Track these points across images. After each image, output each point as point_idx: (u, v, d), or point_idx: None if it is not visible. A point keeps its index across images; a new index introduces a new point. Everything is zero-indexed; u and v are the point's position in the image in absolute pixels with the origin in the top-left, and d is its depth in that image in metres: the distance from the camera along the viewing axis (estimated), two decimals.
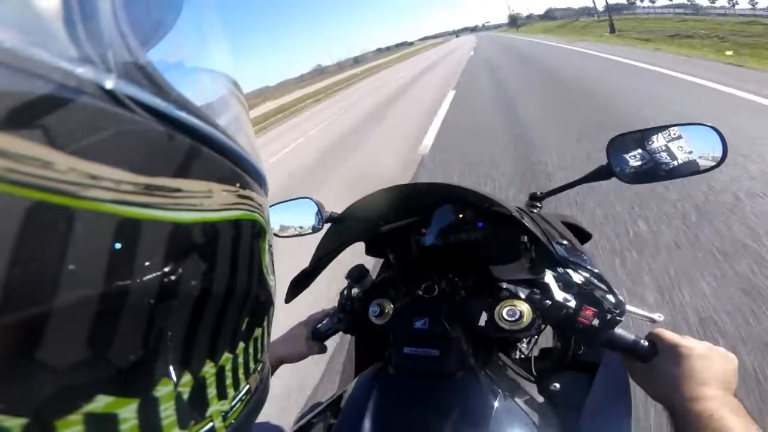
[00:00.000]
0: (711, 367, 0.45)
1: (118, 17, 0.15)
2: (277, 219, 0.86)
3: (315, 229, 0.77)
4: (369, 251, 0.77)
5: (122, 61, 0.15)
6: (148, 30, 0.18)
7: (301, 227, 0.85)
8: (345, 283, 0.68)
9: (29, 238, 0.12)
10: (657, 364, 0.48)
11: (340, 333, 0.69)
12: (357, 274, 0.65)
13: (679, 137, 0.64)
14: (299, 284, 0.64)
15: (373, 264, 0.83)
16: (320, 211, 0.82)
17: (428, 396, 0.49)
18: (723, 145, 0.61)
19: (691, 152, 0.64)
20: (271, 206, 0.92)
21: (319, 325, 0.70)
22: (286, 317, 0.66)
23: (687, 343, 0.47)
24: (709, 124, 0.63)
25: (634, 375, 0.51)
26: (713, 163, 0.63)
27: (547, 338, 0.61)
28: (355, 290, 0.67)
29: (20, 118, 0.11)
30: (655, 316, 0.64)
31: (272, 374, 0.68)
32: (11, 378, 0.12)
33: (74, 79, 0.13)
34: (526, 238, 0.60)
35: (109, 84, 0.14)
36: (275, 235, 0.88)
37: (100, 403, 0.14)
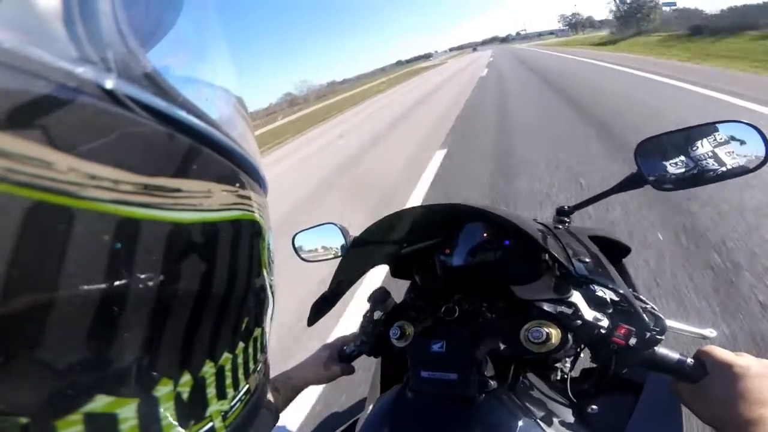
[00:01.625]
0: None
1: (118, 17, 0.15)
2: (304, 244, 0.90)
3: (344, 251, 0.78)
4: (394, 274, 0.76)
5: (122, 61, 0.15)
6: (148, 30, 0.18)
7: (328, 251, 0.88)
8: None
9: (29, 238, 0.12)
10: (707, 385, 0.43)
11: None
12: (378, 297, 0.64)
13: (727, 142, 0.59)
14: (320, 307, 0.64)
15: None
16: (345, 235, 0.84)
17: (446, 421, 0.47)
18: (764, 141, 0.57)
19: (735, 151, 0.59)
20: (297, 233, 0.92)
21: (345, 347, 0.70)
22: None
23: (742, 361, 0.42)
24: (746, 122, 0.59)
25: (682, 396, 0.47)
26: (757, 162, 0.58)
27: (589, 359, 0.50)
28: (377, 313, 0.66)
29: (20, 118, 0.11)
30: (706, 331, 0.58)
31: (297, 395, 0.68)
32: (11, 378, 0.12)
33: (74, 79, 0.13)
34: (547, 256, 0.57)
35: (108, 84, 0.14)
36: (304, 259, 0.90)
37: (100, 402, 0.14)
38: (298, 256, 0.90)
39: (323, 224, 0.87)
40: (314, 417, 1.52)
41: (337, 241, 0.86)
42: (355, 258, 0.63)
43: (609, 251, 0.60)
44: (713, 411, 0.42)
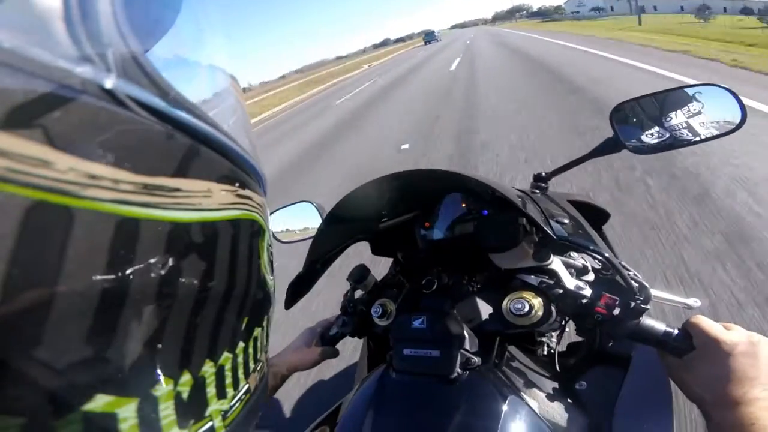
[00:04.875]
0: (757, 365, 0.39)
1: (117, 16, 0.15)
2: (278, 225, 0.86)
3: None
4: (375, 251, 0.74)
5: (122, 60, 0.15)
6: (148, 29, 0.18)
7: (304, 230, 0.85)
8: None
9: (28, 238, 0.12)
10: (693, 360, 0.42)
11: None
12: (358, 275, 0.62)
13: (699, 113, 0.59)
14: (297, 289, 0.62)
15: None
16: (321, 213, 0.82)
17: (430, 400, 0.46)
18: (740, 105, 0.56)
19: (709, 118, 0.59)
20: (271, 212, 0.87)
21: (328, 329, 0.69)
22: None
23: (729, 337, 0.41)
24: (723, 86, 0.58)
25: (669, 370, 0.45)
26: (732, 126, 0.58)
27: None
28: (358, 292, 0.65)
29: (20, 117, 0.11)
30: (690, 301, 0.56)
31: (283, 382, 0.67)
32: (11, 377, 0.12)
33: (74, 79, 0.13)
34: (524, 221, 0.56)
35: (108, 83, 0.14)
36: (279, 240, 0.86)
37: (100, 402, 0.14)
38: (273, 237, 0.86)
39: (298, 203, 0.84)
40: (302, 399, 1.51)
41: (313, 220, 0.83)
42: (329, 235, 0.60)
43: (588, 217, 0.58)
44: (698, 388, 0.41)
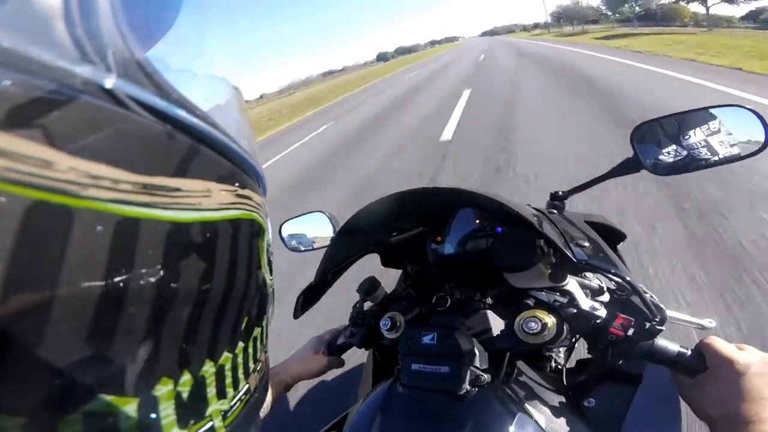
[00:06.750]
0: None
1: (117, 16, 0.15)
2: (291, 234, 0.87)
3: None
4: (385, 263, 0.74)
5: (122, 60, 0.15)
6: (148, 29, 0.18)
7: (317, 240, 0.85)
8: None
9: (28, 238, 0.12)
10: (706, 380, 0.42)
11: None
12: (368, 287, 0.62)
13: (719, 131, 0.59)
14: (307, 299, 0.62)
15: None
16: (333, 223, 0.82)
17: (438, 416, 0.45)
18: (764, 126, 0.56)
19: (729, 139, 0.58)
20: (284, 222, 0.89)
21: (335, 339, 0.69)
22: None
23: (743, 358, 0.41)
24: (748, 107, 0.57)
25: (681, 389, 0.46)
26: (755, 148, 0.57)
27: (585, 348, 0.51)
28: (367, 304, 0.65)
29: (20, 117, 0.11)
30: (705, 322, 0.56)
31: (287, 391, 0.66)
32: (11, 377, 0.12)
33: (74, 79, 0.13)
34: (542, 242, 0.55)
35: (108, 83, 0.14)
36: (292, 250, 0.88)
37: (100, 402, 0.14)
38: (285, 246, 0.87)
39: (311, 212, 0.85)
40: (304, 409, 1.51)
41: (325, 230, 0.83)
42: (342, 246, 0.61)
43: (603, 237, 0.59)
44: (709, 407, 0.41)
